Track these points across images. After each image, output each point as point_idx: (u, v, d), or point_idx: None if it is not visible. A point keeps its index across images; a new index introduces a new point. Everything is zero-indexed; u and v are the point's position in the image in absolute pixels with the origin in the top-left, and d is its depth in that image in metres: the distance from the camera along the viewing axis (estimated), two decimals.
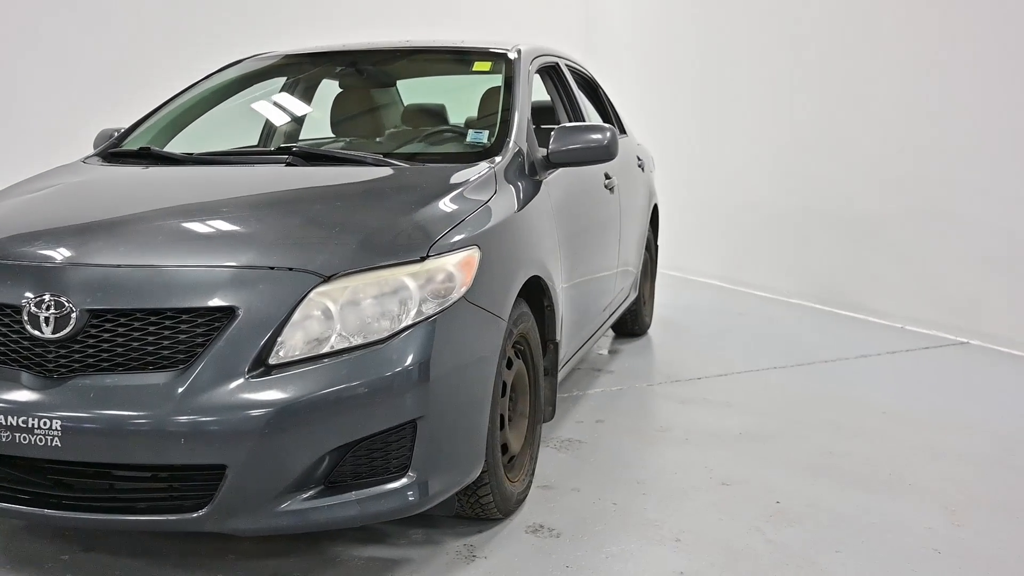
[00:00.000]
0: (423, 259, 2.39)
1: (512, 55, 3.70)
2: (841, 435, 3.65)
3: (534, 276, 2.96)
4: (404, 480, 2.31)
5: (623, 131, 5.20)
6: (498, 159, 3.06)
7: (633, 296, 5.00)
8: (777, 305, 6.37)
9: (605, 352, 5.02)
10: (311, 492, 2.24)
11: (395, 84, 4.23)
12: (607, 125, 3.38)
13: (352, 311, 2.29)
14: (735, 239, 7.10)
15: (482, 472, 2.63)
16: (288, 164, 3.05)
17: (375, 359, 2.25)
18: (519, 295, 2.94)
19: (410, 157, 3.18)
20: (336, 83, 4.14)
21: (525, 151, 3.23)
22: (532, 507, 2.97)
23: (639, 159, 5.07)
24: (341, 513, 2.25)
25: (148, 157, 3.28)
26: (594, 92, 5.06)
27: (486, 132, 3.33)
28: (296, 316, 2.25)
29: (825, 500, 3.03)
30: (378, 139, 3.95)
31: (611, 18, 8.55)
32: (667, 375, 4.54)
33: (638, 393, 4.25)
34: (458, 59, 3.96)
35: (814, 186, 6.29)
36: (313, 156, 3.14)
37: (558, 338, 3.25)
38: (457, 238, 2.50)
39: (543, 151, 3.31)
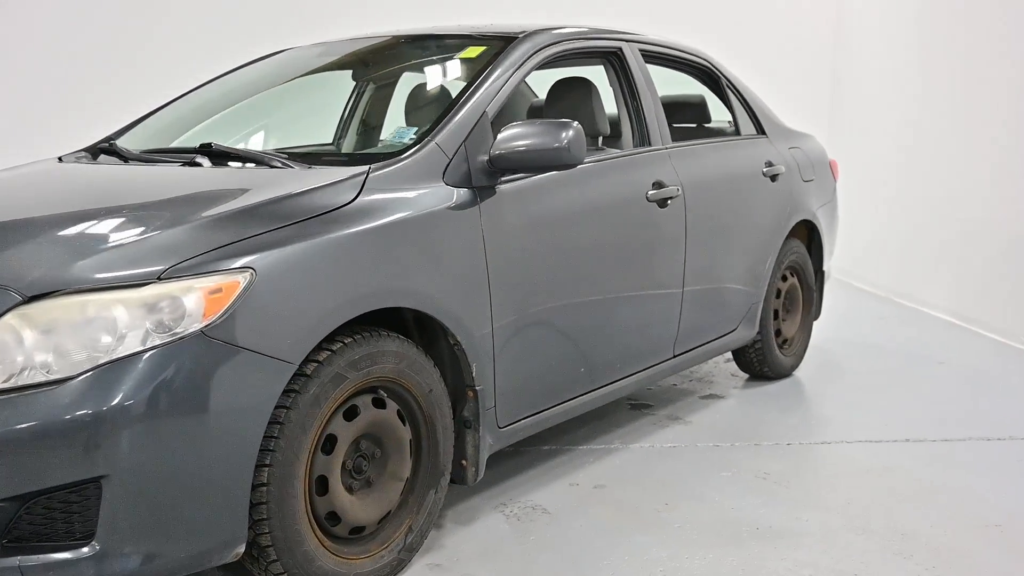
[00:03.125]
0: (150, 283, 1.96)
1: (517, 38, 3.10)
2: (897, 550, 2.64)
3: (408, 309, 2.41)
4: (86, 549, 1.90)
5: (760, 130, 4.30)
6: (392, 162, 2.52)
7: (749, 333, 4.10)
8: (1004, 354, 4.99)
9: (709, 396, 4.17)
10: None
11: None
12: (571, 123, 2.69)
13: (51, 339, 1.92)
14: (970, 267, 5.70)
15: (266, 546, 2.15)
16: (184, 164, 2.74)
17: (52, 400, 1.87)
18: (392, 329, 2.43)
19: (316, 158, 2.73)
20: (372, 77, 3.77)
21: (461, 154, 2.65)
22: None
23: (770, 165, 4.14)
24: None
25: (113, 153, 3.13)
26: (715, 83, 4.22)
27: (413, 130, 2.79)
28: None
29: None
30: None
31: (864, 14, 7.31)
32: (753, 435, 3.65)
33: (690, 455, 3.43)
34: (466, 45, 3.40)
35: None
36: (220, 155, 2.78)
37: (479, 385, 2.64)
38: (220, 260, 2.04)
39: (486, 156, 2.70)
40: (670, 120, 4.41)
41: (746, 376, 4.50)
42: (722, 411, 3.97)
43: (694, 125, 4.42)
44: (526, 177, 2.82)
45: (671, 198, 3.41)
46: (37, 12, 5.93)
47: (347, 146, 4.00)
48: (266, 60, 3.67)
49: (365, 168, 2.46)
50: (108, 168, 2.89)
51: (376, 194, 2.41)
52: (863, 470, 3.29)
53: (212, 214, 2.16)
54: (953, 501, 3.01)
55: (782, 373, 4.45)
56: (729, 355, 4.47)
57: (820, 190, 4.61)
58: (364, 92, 4.07)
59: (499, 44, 3.10)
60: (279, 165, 2.62)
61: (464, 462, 2.70)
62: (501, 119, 2.89)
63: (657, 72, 4.13)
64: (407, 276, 2.40)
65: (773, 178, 4.16)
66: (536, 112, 3.92)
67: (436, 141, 2.63)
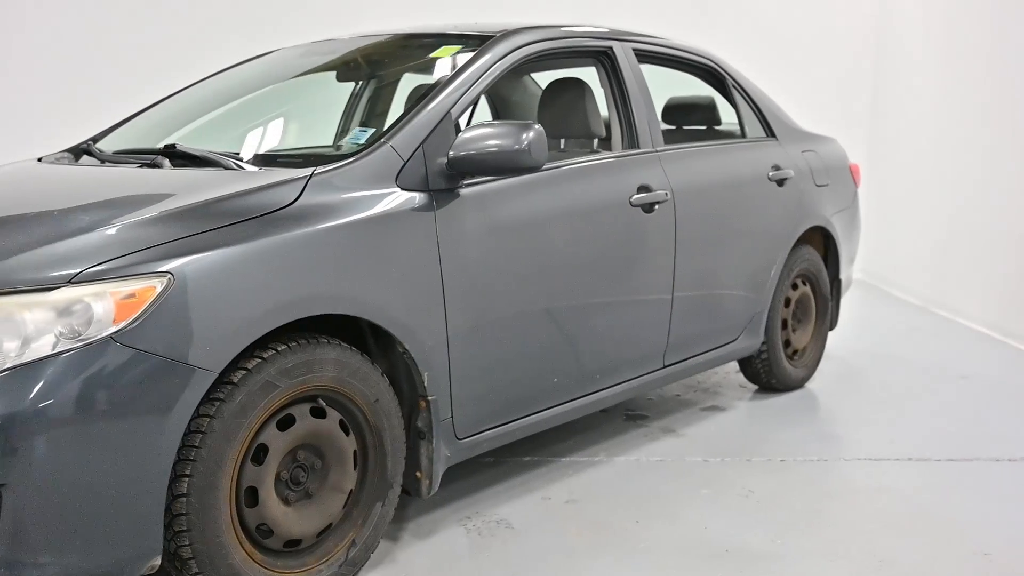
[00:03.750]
0: (60, 287, 1.92)
1: (493, 37, 3.02)
2: None
3: (347, 316, 2.35)
4: None
5: (770, 133, 4.14)
6: (340, 165, 2.45)
7: (753, 343, 3.95)
8: None
9: (711, 408, 4.02)
10: None
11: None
12: (533, 124, 2.60)
13: None
14: (1009, 278, 5.43)
15: (188, 559, 2.10)
16: (143, 165, 2.71)
17: None
18: (347, 337, 2.39)
19: (271, 160, 2.68)
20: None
21: (418, 156, 2.57)
22: None
23: (777, 169, 3.98)
24: None
25: (91, 153, 3.12)
26: (720, 84, 4.07)
27: (371, 131, 2.72)
28: None
29: None
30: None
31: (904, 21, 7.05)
32: (747, 450, 3.50)
33: (675, 470, 3.30)
34: (442, 44, 3.31)
35: None
36: (179, 156, 2.74)
37: (432, 395, 2.55)
38: (138, 265, 1.99)
39: (444, 159, 2.61)
40: (678, 122, 4.32)
41: (755, 388, 4.33)
42: (720, 424, 3.82)
43: (703, 127, 4.29)
44: (492, 181, 2.74)
45: (659, 203, 3.28)
46: (37, 12, 6.08)
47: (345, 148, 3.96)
48: (252, 62, 3.63)
49: (309, 170, 2.39)
50: (73, 169, 2.87)
51: (319, 197, 2.34)
52: (854, 491, 3.13)
53: (138, 217, 2.12)
54: (943, 526, 2.84)
55: (791, 385, 4.28)
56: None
57: (836, 195, 4.43)
58: (363, 92, 4.02)
59: (475, 44, 3.01)
60: (234, 167, 2.57)
61: (418, 474, 2.62)
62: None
63: (667, 73, 4.03)
64: (347, 282, 2.32)
65: (780, 182, 3.99)
66: None
67: (391, 143, 2.55)
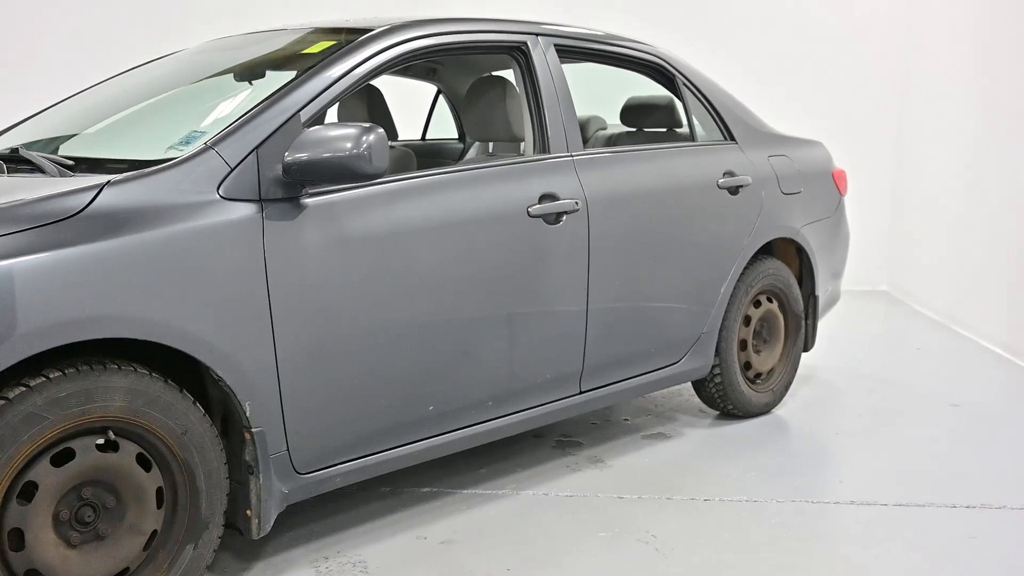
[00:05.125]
0: None
1: (371, 31, 2.77)
2: None
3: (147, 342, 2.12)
4: None
5: (729, 136, 3.79)
6: (146, 172, 2.22)
7: (701, 365, 3.61)
8: None
9: (654, 435, 3.69)
10: None
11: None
12: (375, 127, 2.34)
13: None
14: None
15: None
16: None
17: None
18: (140, 364, 2.17)
19: (98, 164, 2.45)
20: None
21: (250, 163, 2.33)
22: None
23: (731, 175, 3.63)
24: None
25: None
26: (669, 82, 3.73)
27: (207, 135, 2.47)
28: None
29: None
30: None
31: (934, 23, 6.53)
32: (672, 487, 3.16)
33: (581, 507, 2.99)
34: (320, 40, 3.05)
35: None
36: (22, 160, 2.55)
37: (257, 426, 2.31)
38: None
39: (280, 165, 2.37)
40: (637, 124, 4.00)
41: (715, 413, 3.98)
42: (656, 455, 3.49)
43: (663, 129, 3.96)
44: (348, 189, 2.49)
45: (566, 213, 2.98)
46: None
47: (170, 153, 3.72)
48: (153, 63, 3.45)
49: (106, 177, 2.17)
50: None
51: (113, 207, 2.12)
52: (773, 539, 2.77)
53: None
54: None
55: (752, 411, 3.91)
56: None
57: (811, 204, 4.05)
58: None
59: (351, 39, 2.76)
60: (55, 173, 2.36)
61: (248, 512, 2.38)
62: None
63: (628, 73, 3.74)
64: (136, 302, 2.09)
65: (734, 190, 3.64)
66: None
67: (216, 148, 2.32)
